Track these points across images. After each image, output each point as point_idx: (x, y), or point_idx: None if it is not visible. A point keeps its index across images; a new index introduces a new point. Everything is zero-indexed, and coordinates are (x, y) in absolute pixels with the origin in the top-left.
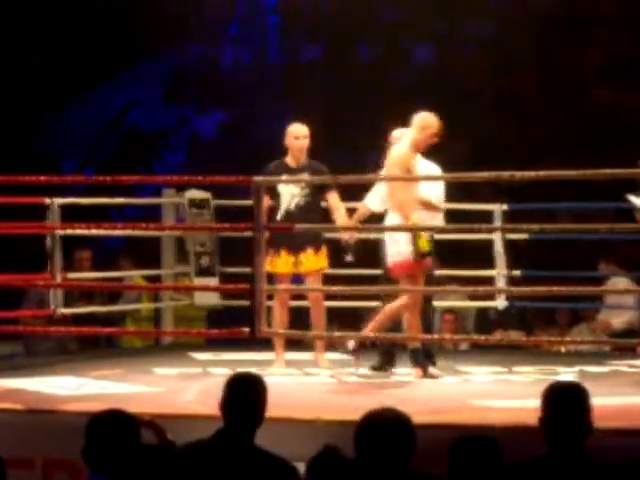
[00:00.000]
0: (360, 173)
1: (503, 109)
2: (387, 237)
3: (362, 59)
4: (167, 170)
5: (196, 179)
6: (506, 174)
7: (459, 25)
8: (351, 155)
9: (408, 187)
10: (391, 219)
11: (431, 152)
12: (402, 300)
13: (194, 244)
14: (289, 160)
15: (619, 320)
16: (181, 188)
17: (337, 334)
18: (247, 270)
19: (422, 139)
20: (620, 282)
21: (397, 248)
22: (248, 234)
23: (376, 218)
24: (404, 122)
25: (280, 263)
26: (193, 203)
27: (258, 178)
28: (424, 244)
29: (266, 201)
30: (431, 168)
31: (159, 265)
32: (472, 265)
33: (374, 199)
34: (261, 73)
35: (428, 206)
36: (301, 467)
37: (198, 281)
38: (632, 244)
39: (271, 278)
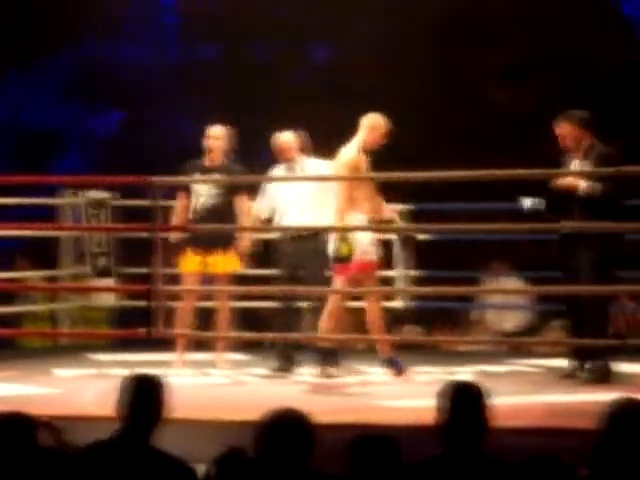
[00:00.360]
0: (255, 173)
1: (402, 109)
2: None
3: (259, 59)
4: (63, 170)
5: (94, 179)
6: (401, 175)
7: (357, 24)
8: (248, 156)
9: (359, 187)
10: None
11: (328, 153)
12: (373, 302)
13: (91, 245)
14: (205, 159)
15: (510, 321)
16: (78, 188)
17: (234, 334)
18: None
19: (371, 140)
20: (509, 282)
21: (361, 248)
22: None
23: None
24: (297, 124)
25: (187, 262)
26: (91, 204)
27: (155, 178)
28: (344, 248)
29: (184, 199)
30: (321, 167)
31: (56, 266)
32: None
33: (263, 205)
34: (159, 72)
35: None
36: (200, 468)
37: (95, 282)
38: (529, 244)
39: (179, 278)
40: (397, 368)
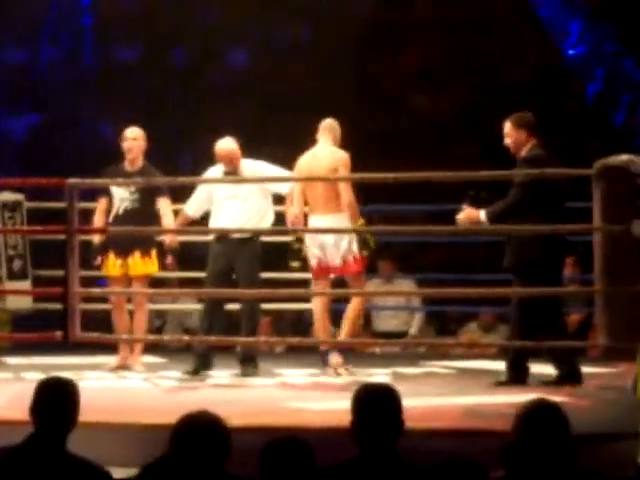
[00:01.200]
0: (175, 176)
1: (319, 113)
2: (334, 237)
3: (178, 62)
4: None
5: (9, 181)
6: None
7: (275, 29)
8: (166, 158)
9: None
10: (331, 220)
11: (251, 154)
12: (357, 300)
13: (6, 247)
14: (125, 163)
15: (414, 324)
16: None
17: (152, 337)
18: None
19: (338, 143)
20: (403, 284)
21: (350, 246)
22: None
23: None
24: (217, 126)
25: (109, 265)
26: (5, 206)
27: (71, 180)
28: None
29: (105, 203)
30: (265, 167)
31: None
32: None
33: (193, 205)
34: (76, 75)
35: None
36: (116, 472)
37: (10, 285)
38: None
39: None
40: (325, 362)
